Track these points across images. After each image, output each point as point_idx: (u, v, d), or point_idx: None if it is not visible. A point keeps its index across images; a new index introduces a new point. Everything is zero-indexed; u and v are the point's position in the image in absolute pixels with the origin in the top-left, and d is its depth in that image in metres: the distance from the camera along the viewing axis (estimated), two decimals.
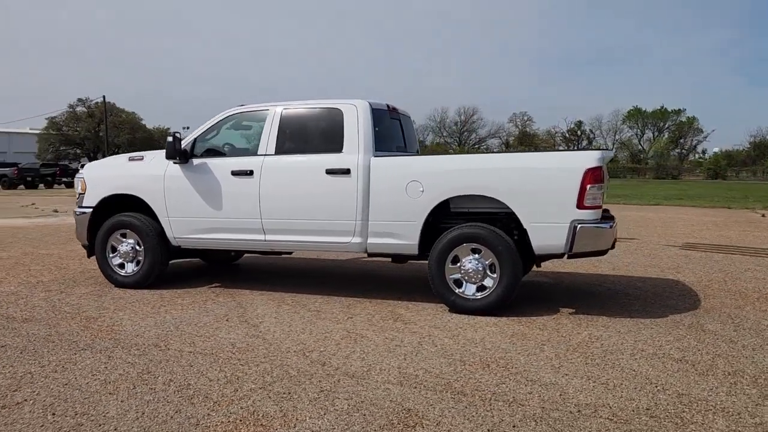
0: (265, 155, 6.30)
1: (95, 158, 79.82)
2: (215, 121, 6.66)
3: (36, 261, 8.78)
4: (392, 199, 5.84)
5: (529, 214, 5.50)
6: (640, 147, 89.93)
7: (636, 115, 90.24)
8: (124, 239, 6.84)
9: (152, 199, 6.70)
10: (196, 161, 6.54)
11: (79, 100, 74.30)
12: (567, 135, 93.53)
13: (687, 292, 6.72)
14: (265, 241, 6.37)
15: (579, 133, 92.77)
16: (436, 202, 5.72)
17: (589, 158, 5.37)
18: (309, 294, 6.53)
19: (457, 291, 5.70)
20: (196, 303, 6.13)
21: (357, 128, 6.01)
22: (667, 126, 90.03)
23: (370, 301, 6.23)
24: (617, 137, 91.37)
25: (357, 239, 6.00)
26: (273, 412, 3.49)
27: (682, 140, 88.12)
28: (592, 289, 6.90)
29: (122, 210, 6.93)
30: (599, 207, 5.41)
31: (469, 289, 5.68)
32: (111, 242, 6.89)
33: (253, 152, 6.40)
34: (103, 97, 63.06)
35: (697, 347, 4.73)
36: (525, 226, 5.51)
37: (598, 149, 5.69)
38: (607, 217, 6.28)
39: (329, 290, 6.74)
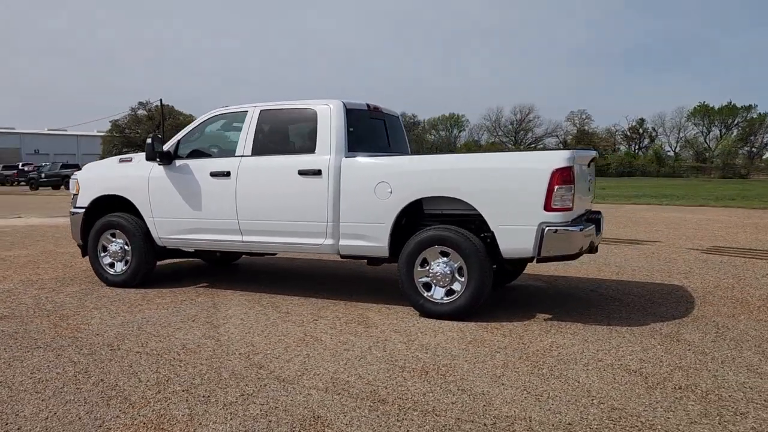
0: (242, 156, 6.31)
1: None
2: (198, 122, 6.73)
3: (49, 259, 9.10)
4: (361, 201, 5.75)
5: (496, 216, 5.30)
6: (705, 145, 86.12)
7: (702, 112, 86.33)
8: (113, 239, 7.00)
9: (138, 199, 6.82)
10: (179, 162, 6.61)
11: (140, 103, 76.99)
12: (628, 133, 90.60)
13: (684, 299, 6.34)
14: (242, 242, 6.39)
15: (641, 131, 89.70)
16: (403, 204, 5.59)
17: (558, 158, 5.13)
18: (291, 295, 6.50)
19: (425, 294, 5.55)
20: (173, 303, 6.20)
21: (329, 129, 5.94)
22: (736, 123, 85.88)
23: (345, 303, 6.15)
24: (681, 135, 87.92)
25: (329, 241, 5.93)
26: (181, 416, 3.46)
27: (752, 138, 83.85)
28: (583, 294, 6.60)
29: (115, 210, 7.08)
30: (568, 209, 5.15)
31: (438, 293, 5.53)
32: (102, 242, 7.06)
33: (232, 153, 6.42)
34: (160, 100, 65.13)
35: (660, 358, 4.44)
36: (492, 229, 5.31)
37: (568, 149, 5.43)
38: (591, 219, 6.01)
39: (316, 292, 6.69)
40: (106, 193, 7.03)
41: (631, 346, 4.72)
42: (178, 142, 6.71)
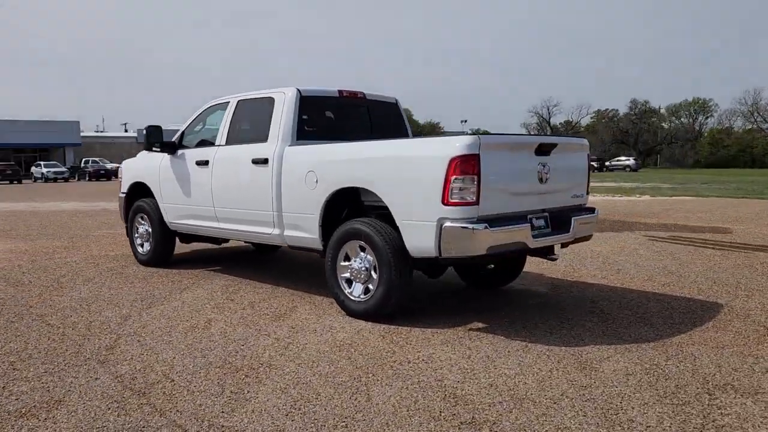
0: (218, 146, 6.52)
1: None
2: (199, 113, 7.08)
3: (119, 238, 10.18)
4: (296, 190, 5.59)
5: (400, 210, 4.80)
6: None
7: None
8: (143, 222, 7.70)
9: (154, 187, 7.42)
10: (180, 152, 7.04)
11: None
12: None
13: (693, 320, 5.11)
14: (219, 228, 6.61)
15: None
16: (327, 194, 5.31)
17: (456, 145, 4.46)
18: (281, 287, 6.51)
19: (346, 291, 5.24)
20: (160, 283, 6.64)
21: (280, 116, 5.86)
22: None
23: (311, 296, 6.00)
24: None
25: (276, 231, 5.87)
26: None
27: None
28: (569, 305, 5.65)
29: (148, 197, 7.76)
30: (470, 203, 4.45)
31: (357, 290, 5.18)
32: (135, 224, 7.81)
33: (213, 143, 6.66)
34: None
35: (545, 382, 3.68)
36: (397, 223, 4.82)
37: (476, 133, 4.60)
38: (557, 217, 5.15)
39: (309, 286, 6.68)
40: (135, 180, 7.75)
41: (507, 367, 3.96)
42: (183, 132, 7.13)
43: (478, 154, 4.42)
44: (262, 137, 5.99)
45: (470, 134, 4.51)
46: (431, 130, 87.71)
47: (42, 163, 51.75)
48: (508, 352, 4.30)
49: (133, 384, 3.72)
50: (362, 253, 5.09)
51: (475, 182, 4.43)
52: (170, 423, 3.18)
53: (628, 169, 62.52)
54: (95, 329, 4.89)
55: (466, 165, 4.40)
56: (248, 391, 3.60)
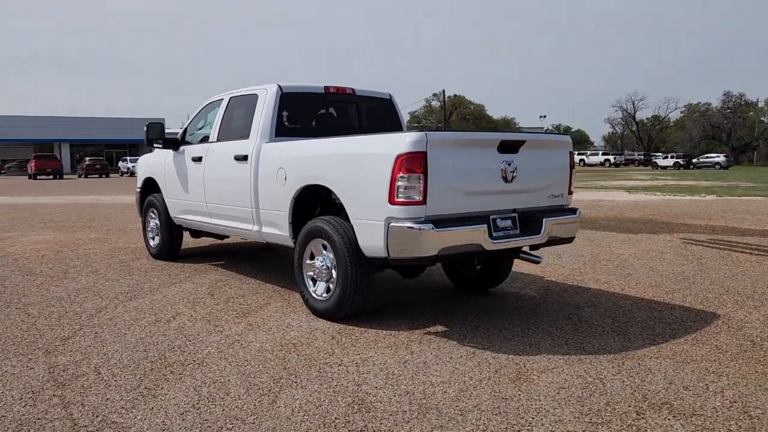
0: (210, 142, 6.61)
1: None
2: (199, 109, 7.20)
3: None
4: (269, 187, 5.58)
5: (353, 207, 4.69)
6: None
7: None
8: (153, 216, 7.93)
9: (160, 182, 7.62)
10: (182, 148, 7.19)
11: (434, 94, 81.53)
12: None
13: (675, 331, 4.74)
14: (211, 224, 6.70)
15: None
16: (294, 191, 5.27)
17: (402, 142, 4.31)
18: (269, 283, 6.56)
19: (311, 290, 5.19)
20: (156, 276, 6.81)
21: (261, 113, 5.86)
22: None
23: (299, 295, 6.01)
24: None
25: (255, 227, 5.89)
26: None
27: None
28: (549, 310, 5.36)
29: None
30: (416, 203, 4.28)
31: (320, 289, 5.11)
32: (147, 218, 8.06)
33: (207, 139, 6.75)
34: (443, 90, 68.15)
35: (466, 392, 3.51)
36: (351, 222, 4.71)
37: (424, 129, 4.37)
38: (529, 218, 4.91)
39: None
40: (147, 176, 7.99)
41: (437, 375, 3.79)
42: (185, 129, 7.28)
43: (425, 152, 4.25)
44: (246, 134, 6.01)
45: (418, 131, 4.33)
46: (506, 125, 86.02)
47: (128, 158, 54.53)
48: (451, 358, 4.11)
49: (59, 376, 3.81)
50: (325, 252, 5.02)
51: (422, 181, 4.26)
52: (66, 416, 3.23)
53: (717, 166, 59.02)
54: (65, 320, 5.05)
55: (412, 163, 4.24)
56: (162, 388, 3.61)
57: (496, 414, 3.25)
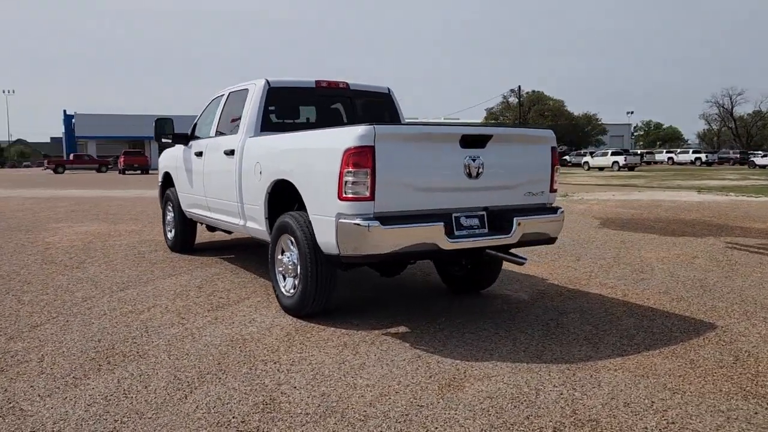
0: (209, 137, 6.69)
1: None
2: (207, 104, 7.31)
3: None
4: (249, 181, 5.57)
5: (310, 203, 4.60)
6: None
7: None
8: (170, 210, 8.14)
9: (174, 177, 7.80)
10: (191, 143, 7.32)
11: (511, 90, 79.93)
12: None
13: (654, 342, 4.37)
14: (210, 218, 6.79)
15: None
16: (267, 186, 5.23)
17: (350, 136, 4.17)
18: (262, 278, 6.57)
19: (281, 285, 5.14)
20: (159, 268, 6.97)
21: (248, 108, 5.87)
22: None
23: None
24: None
25: (241, 222, 5.91)
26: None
27: None
28: (530, 315, 5.07)
29: None
30: (364, 198, 4.13)
31: (288, 284, 5.06)
32: (165, 211, 8.28)
33: (208, 134, 6.84)
34: (518, 86, 66.56)
35: (382, 398, 3.37)
36: (310, 218, 4.62)
37: (372, 123, 4.15)
38: (499, 217, 4.67)
39: None
40: (165, 170, 8.20)
41: (365, 378, 3.65)
42: (195, 123, 7.41)
43: (373, 146, 4.10)
44: (236, 129, 6.04)
45: (367, 125, 4.18)
46: (587, 122, 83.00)
47: None
48: (392, 361, 3.95)
49: (3, 361, 3.93)
50: (291, 248, 4.96)
51: (369, 176, 4.11)
52: None
53: None
54: (48, 308, 5.24)
55: (359, 157, 4.10)
56: (89, 378, 3.65)
57: (400, 422, 3.08)
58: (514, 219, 4.62)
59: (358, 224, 4.11)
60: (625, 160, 50.29)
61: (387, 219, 4.15)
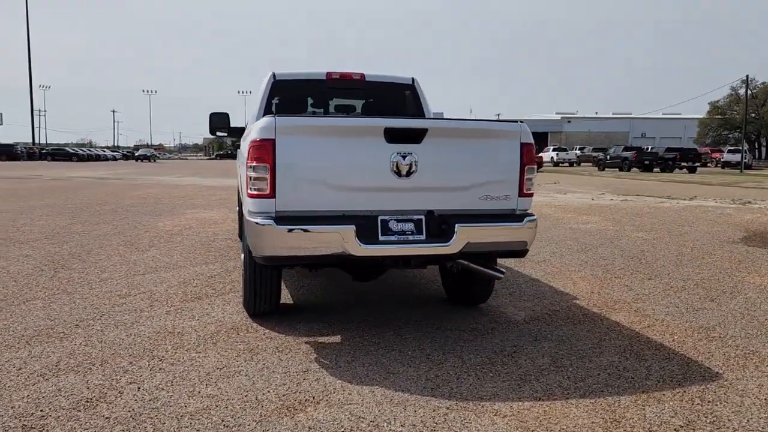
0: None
1: (757, 143, 74.40)
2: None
3: None
4: (240, 176, 5.56)
5: (243, 199, 4.43)
6: None
7: None
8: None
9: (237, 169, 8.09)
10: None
11: (742, 81, 70.74)
12: None
13: (635, 383, 3.54)
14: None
15: None
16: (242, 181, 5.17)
17: (254, 129, 3.94)
18: None
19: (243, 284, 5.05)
20: (201, 256, 7.29)
21: (258, 100, 5.89)
22: None
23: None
24: None
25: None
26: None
27: None
28: (512, 339, 4.38)
29: None
30: (264, 195, 3.87)
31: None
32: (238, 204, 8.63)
33: None
34: (746, 76, 58.39)
35: (251, 402, 3.18)
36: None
37: (275, 115, 3.68)
38: (440, 220, 4.16)
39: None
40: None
41: (235, 387, 3.42)
42: (256, 115, 7.60)
43: (274, 139, 3.82)
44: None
45: (269, 116, 3.89)
46: None
47: None
48: (273, 373, 3.64)
49: None
50: None
51: (269, 171, 3.84)
52: None
53: None
54: (59, 284, 5.73)
55: (260, 151, 3.86)
56: (19, 352, 3.86)
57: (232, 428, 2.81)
58: (457, 225, 4.00)
59: (257, 223, 3.87)
60: None
61: (286, 219, 3.84)
